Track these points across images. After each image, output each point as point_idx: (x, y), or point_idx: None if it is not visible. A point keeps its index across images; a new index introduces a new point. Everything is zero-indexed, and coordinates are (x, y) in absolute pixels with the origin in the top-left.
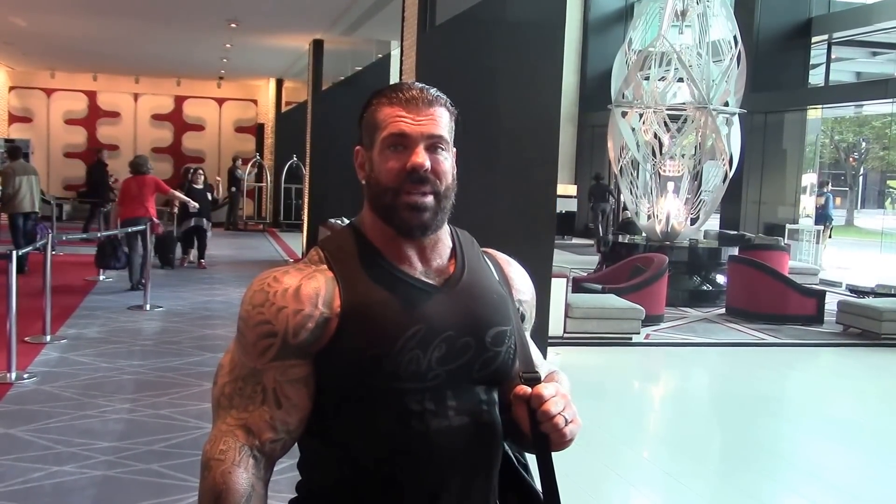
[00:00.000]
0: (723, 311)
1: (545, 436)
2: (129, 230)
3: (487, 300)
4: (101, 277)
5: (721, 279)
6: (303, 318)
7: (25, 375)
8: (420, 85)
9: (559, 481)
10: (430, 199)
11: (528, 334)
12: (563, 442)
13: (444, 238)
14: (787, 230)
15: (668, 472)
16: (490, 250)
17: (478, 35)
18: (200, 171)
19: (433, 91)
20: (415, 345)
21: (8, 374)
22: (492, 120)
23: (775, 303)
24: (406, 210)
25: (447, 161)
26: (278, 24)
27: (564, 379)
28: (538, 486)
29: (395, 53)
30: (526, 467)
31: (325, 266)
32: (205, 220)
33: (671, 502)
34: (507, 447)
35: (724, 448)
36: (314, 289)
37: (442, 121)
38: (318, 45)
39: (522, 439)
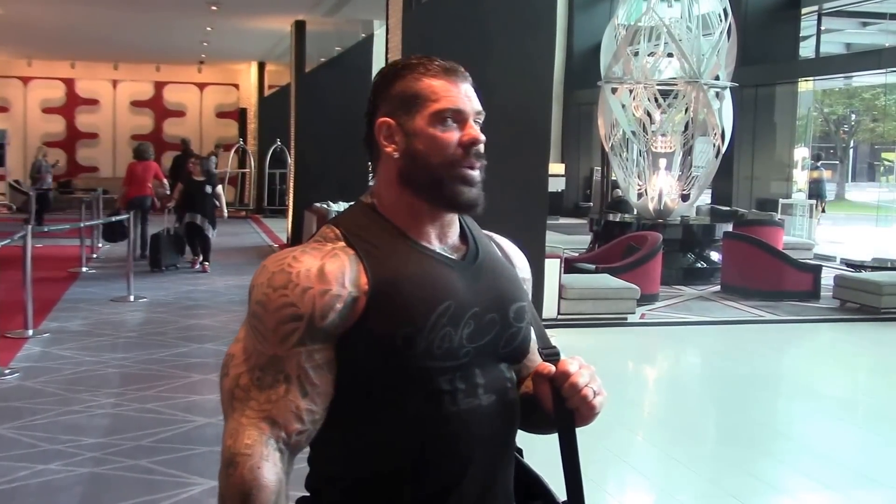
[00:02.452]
0: (718, 288)
1: (570, 413)
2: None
3: (507, 275)
4: (84, 269)
5: (716, 256)
6: (331, 299)
7: (7, 371)
8: (440, 59)
9: (553, 466)
10: (479, 173)
11: None
12: (591, 414)
13: (456, 216)
14: (780, 205)
15: (667, 453)
16: (487, 232)
17: (465, 12)
18: (195, 162)
19: (459, 66)
20: (446, 321)
21: None
22: (481, 98)
23: (771, 279)
24: (461, 183)
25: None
26: (259, 5)
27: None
28: (532, 469)
29: (380, 33)
30: (519, 451)
31: (342, 243)
32: (199, 216)
33: (671, 484)
34: None
35: (724, 428)
36: (338, 267)
37: (476, 96)
38: (300, 27)
39: (531, 418)
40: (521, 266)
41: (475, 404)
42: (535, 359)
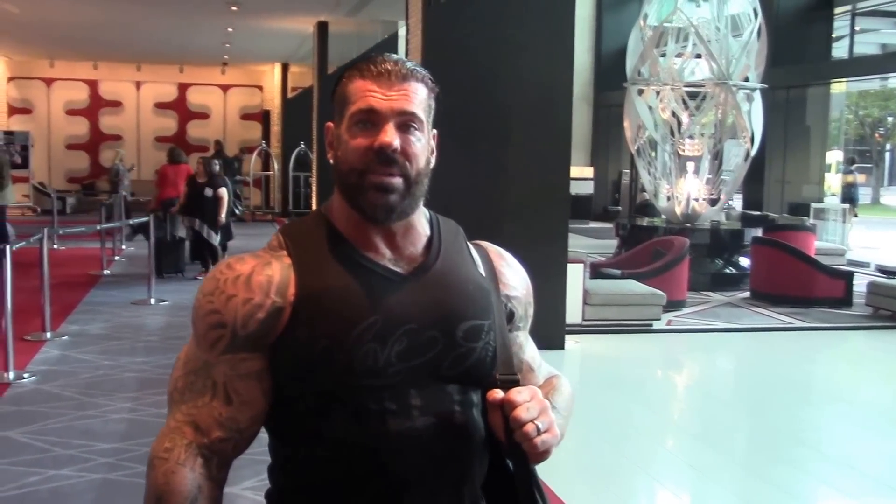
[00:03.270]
0: (747, 294)
1: (520, 446)
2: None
3: (461, 291)
4: (105, 272)
5: (745, 262)
6: (252, 308)
7: (25, 375)
8: (396, 57)
9: (577, 471)
10: (398, 180)
11: (523, 334)
12: (535, 454)
13: (419, 225)
14: (812, 209)
15: (692, 464)
16: (483, 243)
17: (485, 11)
18: (201, 161)
19: (409, 64)
20: (371, 338)
21: (5, 374)
22: (501, 98)
23: (802, 285)
24: (371, 191)
25: (420, 142)
26: (280, 6)
27: (565, 385)
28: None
29: (402, 33)
30: (538, 484)
31: (283, 252)
32: (197, 220)
33: (696, 496)
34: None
35: (751, 438)
36: (267, 276)
37: (417, 97)
38: (322, 28)
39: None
40: (512, 282)
41: (406, 426)
42: (532, 380)
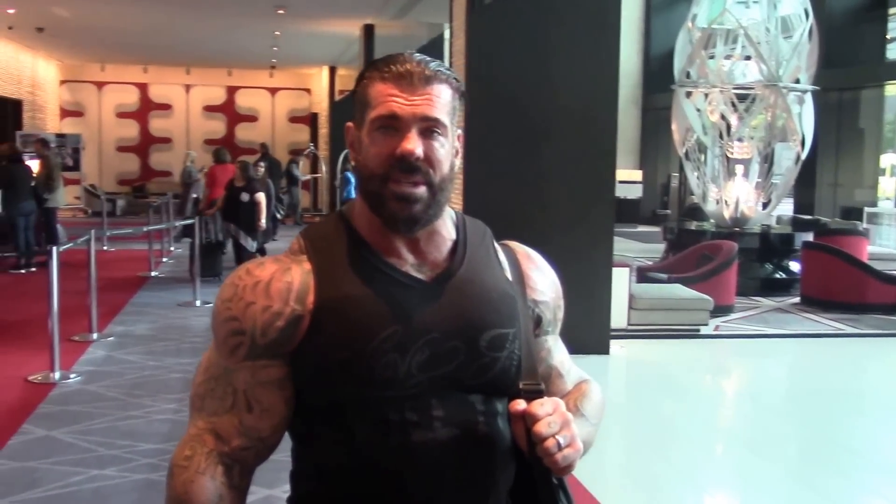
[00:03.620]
0: (797, 300)
1: (541, 459)
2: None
3: (484, 299)
4: (153, 273)
5: (795, 266)
6: (271, 316)
7: (71, 375)
8: (419, 57)
9: (619, 483)
10: (421, 189)
11: (552, 338)
12: (556, 469)
13: (443, 230)
14: (865, 214)
15: (740, 473)
16: (511, 243)
17: (528, 13)
18: (238, 165)
19: (433, 65)
20: (391, 348)
21: (52, 374)
22: (545, 100)
23: (854, 291)
24: (393, 200)
25: (443, 148)
26: (327, 9)
27: (595, 391)
28: None
29: (447, 35)
30: (566, 490)
31: (304, 257)
32: (233, 225)
33: None
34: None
35: (801, 447)
36: (286, 283)
37: (440, 101)
38: (368, 31)
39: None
40: (540, 286)
41: (429, 437)
42: (560, 386)
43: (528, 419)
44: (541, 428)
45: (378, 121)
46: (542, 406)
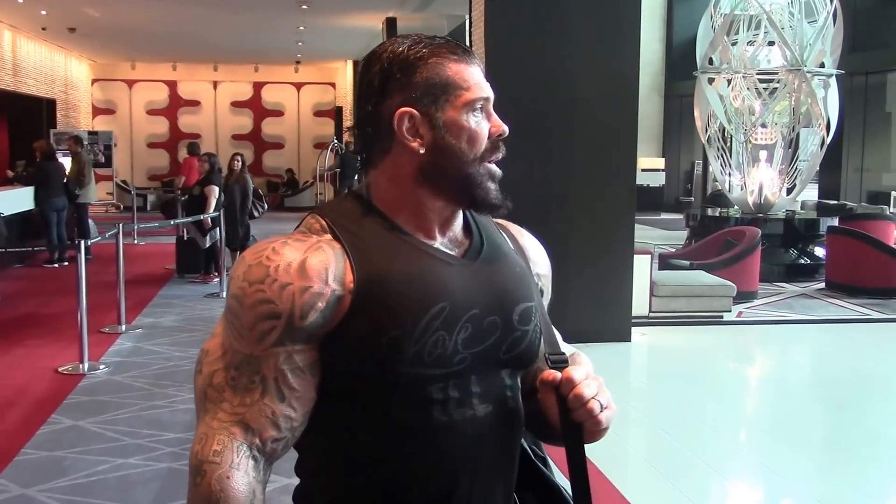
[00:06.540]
0: (822, 285)
1: (578, 425)
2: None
3: (512, 273)
4: None
5: (820, 252)
6: (312, 297)
7: (100, 366)
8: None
9: (644, 469)
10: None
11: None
12: (597, 430)
13: (459, 209)
14: (892, 198)
15: (763, 460)
16: (502, 221)
17: (548, 1)
18: (203, 159)
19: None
20: (439, 325)
21: (80, 365)
22: (565, 89)
23: (880, 276)
24: (489, 179)
25: None
26: (349, 3)
27: (587, 361)
28: (559, 481)
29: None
30: (545, 461)
31: (329, 236)
32: (189, 222)
33: (768, 494)
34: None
35: (826, 434)
36: (322, 262)
37: None
38: (391, 24)
39: (544, 430)
40: (537, 259)
41: (468, 415)
42: (541, 365)
43: (564, 386)
44: (582, 390)
45: (476, 102)
46: (576, 371)
